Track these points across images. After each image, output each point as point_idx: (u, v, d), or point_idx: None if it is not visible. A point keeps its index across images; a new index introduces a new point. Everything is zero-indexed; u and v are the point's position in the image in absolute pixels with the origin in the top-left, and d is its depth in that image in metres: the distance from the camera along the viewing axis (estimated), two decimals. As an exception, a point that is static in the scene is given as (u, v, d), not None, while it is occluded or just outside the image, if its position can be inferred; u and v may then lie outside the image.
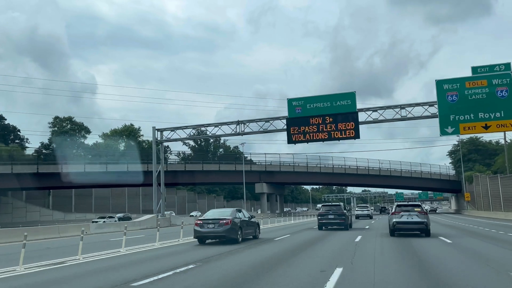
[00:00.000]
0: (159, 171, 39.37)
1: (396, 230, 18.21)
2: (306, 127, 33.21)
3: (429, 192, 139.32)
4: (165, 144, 63.38)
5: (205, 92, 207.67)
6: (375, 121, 33.97)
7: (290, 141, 33.98)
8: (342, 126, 32.54)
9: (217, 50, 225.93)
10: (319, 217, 25.45)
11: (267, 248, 14.34)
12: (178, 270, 9.32)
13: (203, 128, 40.38)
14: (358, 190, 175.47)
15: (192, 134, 41.47)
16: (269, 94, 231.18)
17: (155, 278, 8.44)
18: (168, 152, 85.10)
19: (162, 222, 34.09)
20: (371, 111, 33.91)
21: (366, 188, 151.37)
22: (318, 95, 34.90)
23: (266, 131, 36.72)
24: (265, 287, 7.33)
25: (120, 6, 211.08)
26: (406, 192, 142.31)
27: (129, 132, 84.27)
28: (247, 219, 17.80)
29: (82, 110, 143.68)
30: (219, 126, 37.91)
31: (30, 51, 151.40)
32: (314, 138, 33.09)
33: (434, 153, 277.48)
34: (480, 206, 59.65)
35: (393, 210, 18.73)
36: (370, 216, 48.33)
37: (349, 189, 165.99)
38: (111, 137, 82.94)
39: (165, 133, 39.80)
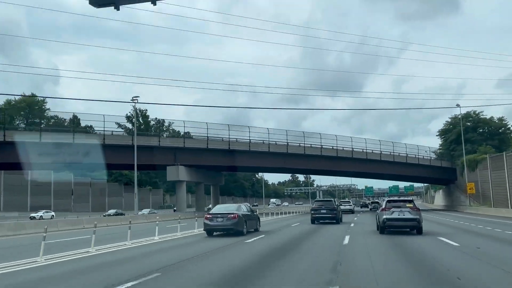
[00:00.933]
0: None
1: (387, 228, 17.21)
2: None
3: (400, 185, 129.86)
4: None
5: (174, 84, 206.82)
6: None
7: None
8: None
9: (187, 43, 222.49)
10: (312, 212, 27.42)
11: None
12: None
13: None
14: (326, 182, 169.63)
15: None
16: (239, 88, 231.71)
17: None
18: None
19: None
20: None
21: (334, 183, 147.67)
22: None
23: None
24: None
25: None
26: (375, 185, 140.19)
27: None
28: (250, 213, 19.99)
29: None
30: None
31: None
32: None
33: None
34: (488, 200, 45.36)
35: (383, 206, 17.89)
36: (352, 211, 49.87)
37: (317, 182, 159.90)
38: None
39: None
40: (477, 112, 63.70)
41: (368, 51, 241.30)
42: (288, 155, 52.63)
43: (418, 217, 16.86)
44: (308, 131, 71.37)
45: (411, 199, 18.44)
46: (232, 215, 17.88)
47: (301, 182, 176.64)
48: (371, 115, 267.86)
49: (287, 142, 52.51)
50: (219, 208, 19.66)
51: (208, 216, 18.42)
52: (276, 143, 51.92)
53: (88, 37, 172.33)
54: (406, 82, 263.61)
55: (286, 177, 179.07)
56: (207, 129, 49.11)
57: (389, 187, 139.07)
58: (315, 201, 30.16)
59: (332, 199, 29.64)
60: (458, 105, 55.38)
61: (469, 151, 55.54)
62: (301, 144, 53.26)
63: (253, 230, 20.10)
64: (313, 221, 27.14)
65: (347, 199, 73.78)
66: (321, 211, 26.82)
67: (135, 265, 10.39)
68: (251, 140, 50.47)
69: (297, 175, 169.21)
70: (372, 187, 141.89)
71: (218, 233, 18.62)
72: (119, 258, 11.80)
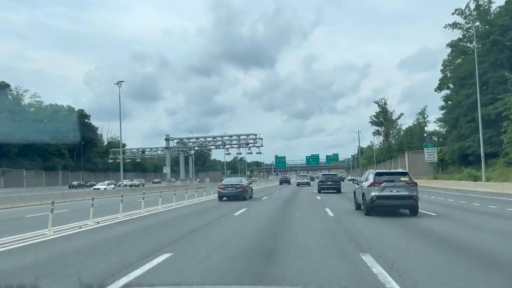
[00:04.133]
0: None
1: (376, 208, 14.25)
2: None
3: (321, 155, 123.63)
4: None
5: (73, 52, 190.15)
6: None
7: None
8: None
9: (88, 8, 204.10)
10: (320, 183, 32.94)
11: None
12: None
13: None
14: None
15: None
16: (146, 57, 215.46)
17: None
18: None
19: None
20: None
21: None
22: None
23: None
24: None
25: None
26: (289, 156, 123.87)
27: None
28: (248, 184, 27.06)
29: None
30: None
31: None
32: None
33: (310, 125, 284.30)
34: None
35: (370, 180, 14.48)
36: (308, 184, 55.99)
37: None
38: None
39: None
40: None
41: (282, 22, 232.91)
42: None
43: (415, 193, 14.07)
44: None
45: (406, 171, 15.45)
46: (239, 185, 24.93)
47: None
48: (282, 92, 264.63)
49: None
50: (228, 180, 26.76)
51: (221, 186, 25.35)
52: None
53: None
54: (317, 60, 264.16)
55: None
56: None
57: (306, 156, 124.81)
58: (322, 174, 35.95)
59: (336, 173, 37.10)
60: None
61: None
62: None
63: (249, 197, 26.80)
64: (319, 190, 32.54)
65: (304, 174, 78.46)
66: (327, 182, 32.49)
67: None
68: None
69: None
70: (284, 157, 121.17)
71: (225, 199, 24.96)
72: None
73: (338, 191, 32.11)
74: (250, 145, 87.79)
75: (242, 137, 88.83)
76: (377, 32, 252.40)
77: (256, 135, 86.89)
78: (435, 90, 63.12)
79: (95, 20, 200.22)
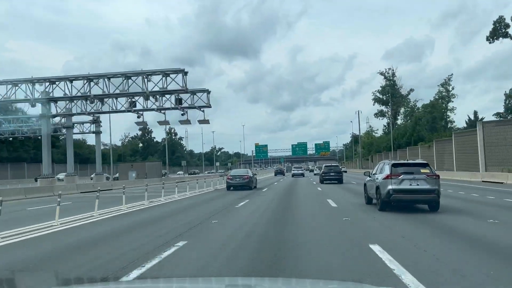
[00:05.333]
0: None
1: (392, 202, 13.11)
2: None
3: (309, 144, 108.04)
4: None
5: (54, 43, 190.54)
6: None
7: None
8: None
9: None
10: (323, 174, 34.45)
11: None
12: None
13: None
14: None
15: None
16: (128, 47, 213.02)
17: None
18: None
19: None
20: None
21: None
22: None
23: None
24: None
25: None
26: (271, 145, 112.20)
27: None
28: (253, 175, 29.60)
29: None
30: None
31: None
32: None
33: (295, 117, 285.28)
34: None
35: (387, 172, 13.36)
36: (303, 175, 58.92)
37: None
38: None
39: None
40: None
41: (267, 11, 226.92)
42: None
43: (437, 187, 12.87)
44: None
45: (426, 162, 14.07)
46: (246, 176, 27.59)
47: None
48: (267, 84, 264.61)
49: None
50: (235, 171, 29.61)
51: (229, 176, 27.98)
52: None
53: None
54: (302, 51, 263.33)
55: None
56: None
57: (292, 145, 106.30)
58: (325, 166, 37.37)
59: (338, 165, 39.87)
60: None
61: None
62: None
63: (254, 187, 29.38)
64: (322, 181, 33.87)
65: (299, 165, 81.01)
66: (330, 174, 34.16)
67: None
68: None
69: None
70: (266, 145, 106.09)
71: (232, 189, 27.43)
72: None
73: (340, 181, 33.68)
74: (185, 104, 36.85)
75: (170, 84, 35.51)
76: (363, 24, 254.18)
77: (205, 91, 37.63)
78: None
79: (77, 10, 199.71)
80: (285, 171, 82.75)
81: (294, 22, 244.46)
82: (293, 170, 63.43)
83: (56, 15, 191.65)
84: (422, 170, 13.13)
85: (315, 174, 63.97)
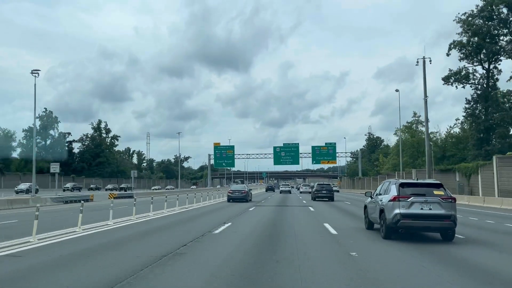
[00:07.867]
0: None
1: (400, 229, 11.43)
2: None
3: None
4: None
5: (41, 51, 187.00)
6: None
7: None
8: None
9: (58, 5, 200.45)
10: (315, 192, 36.76)
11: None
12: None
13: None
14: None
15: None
16: (116, 55, 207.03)
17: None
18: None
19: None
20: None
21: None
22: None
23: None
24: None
25: None
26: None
27: None
28: (249, 190, 34.87)
29: None
30: None
31: None
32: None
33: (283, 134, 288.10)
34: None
35: (394, 193, 11.65)
36: (290, 192, 64.14)
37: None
38: None
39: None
40: None
41: (259, 24, 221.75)
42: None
43: (453, 212, 11.26)
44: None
45: (440, 182, 12.23)
46: (244, 191, 32.80)
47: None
48: (257, 99, 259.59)
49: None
50: (235, 187, 34.87)
51: (230, 191, 33.17)
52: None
53: None
54: (293, 67, 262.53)
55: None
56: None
57: (274, 148, 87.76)
58: (317, 184, 40.17)
59: (329, 183, 44.96)
60: None
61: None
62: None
63: (249, 200, 34.31)
64: (314, 198, 36.43)
65: (286, 183, 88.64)
66: (322, 191, 36.48)
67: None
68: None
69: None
70: (232, 147, 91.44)
71: (231, 201, 32.33)
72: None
73: (331, 199, 35.98)
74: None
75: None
76: (352, 44, 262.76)
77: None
78: None
79: (65, 18, 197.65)
80: (275, 188, 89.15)
81: (286, 37, 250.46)
82: (281, 187, 73.45)
83: (45, 23, 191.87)
84: (436, 192, 11.40)
85: (301, 192, 64.15)
